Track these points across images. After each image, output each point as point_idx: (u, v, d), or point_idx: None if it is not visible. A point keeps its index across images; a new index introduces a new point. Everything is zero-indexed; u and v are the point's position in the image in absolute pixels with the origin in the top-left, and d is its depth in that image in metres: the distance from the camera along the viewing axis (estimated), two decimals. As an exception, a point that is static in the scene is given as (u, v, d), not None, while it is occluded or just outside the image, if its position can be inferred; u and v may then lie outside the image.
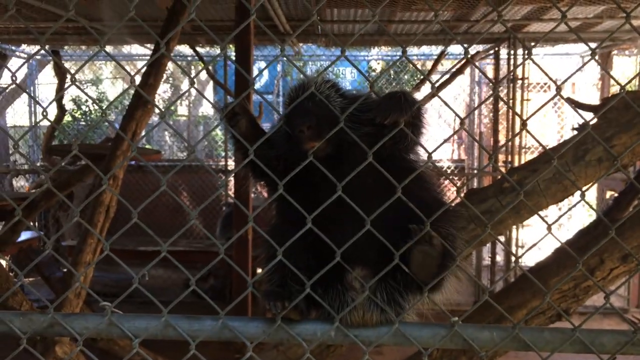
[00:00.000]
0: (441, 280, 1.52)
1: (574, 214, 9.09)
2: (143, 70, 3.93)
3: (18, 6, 5.28)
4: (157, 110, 5.94)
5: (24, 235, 5.54)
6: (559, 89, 1.32)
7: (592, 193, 7.96)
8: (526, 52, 1.41)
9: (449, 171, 8.62)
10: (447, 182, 7.67)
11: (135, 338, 1.40)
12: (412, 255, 1.44)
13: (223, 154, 8.40)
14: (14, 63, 8.76)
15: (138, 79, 3.92)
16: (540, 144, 1.48)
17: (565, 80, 1.43)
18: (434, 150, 1.37)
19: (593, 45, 6.31)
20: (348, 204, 1.39)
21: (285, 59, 8.73)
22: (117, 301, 1.38)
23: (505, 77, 6.94)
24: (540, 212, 2.12)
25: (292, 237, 1.43)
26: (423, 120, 1.60)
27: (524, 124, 1.31)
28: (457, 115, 1.51)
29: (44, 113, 1.36)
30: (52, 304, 1.40)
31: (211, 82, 11.33)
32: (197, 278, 1.42)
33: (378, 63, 10.83)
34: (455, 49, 8.46)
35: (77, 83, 1.48)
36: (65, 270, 5.00)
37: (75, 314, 1.43)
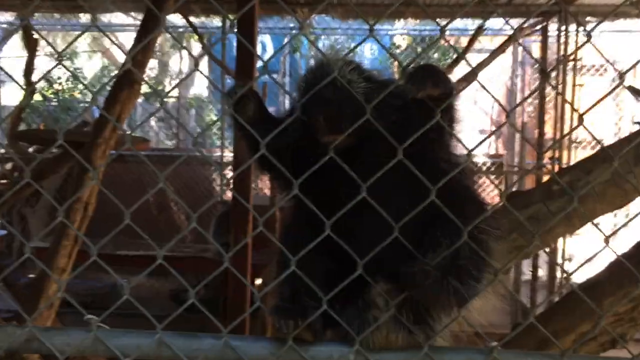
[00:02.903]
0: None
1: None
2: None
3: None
4: (143, 91, 5.96)
5: (-16, 235, 5.61)
6: (621, 78, 1.34)
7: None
8: (581, 30, 1.42)
9: (484, 168, 8.58)
10: (482, 180, 7.66)
11: (125, 357, 1.43)
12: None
13: (218, 142, 8.42)
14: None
15: (123, 55, 3.94)
16: (598, 141, 1.50)
17: (630, 69, 1.43)
18: (475, 148, 1.39)
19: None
20: (368, 204, 1.40)
21: (293, 31, 8.74)
22: (105, 315, 1.42)
23: (555, 61, 6.89)
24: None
25: (307, 242, 1.44)
26: (457, 108, 1.59)
27: (580, 119, 1.32)
28: (501, 106, 1.53)
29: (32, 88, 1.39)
30: (17, 314, 1.43)
31: (206, 58, 11.34)
32: (196, 290, 1.46)
33: (403, 38, 10.78)
34: (495, 23, 8.40)
35: (59, 59, 1.52)
36: (32, 276, 5.05)
37: (56, 328, 1.47)
